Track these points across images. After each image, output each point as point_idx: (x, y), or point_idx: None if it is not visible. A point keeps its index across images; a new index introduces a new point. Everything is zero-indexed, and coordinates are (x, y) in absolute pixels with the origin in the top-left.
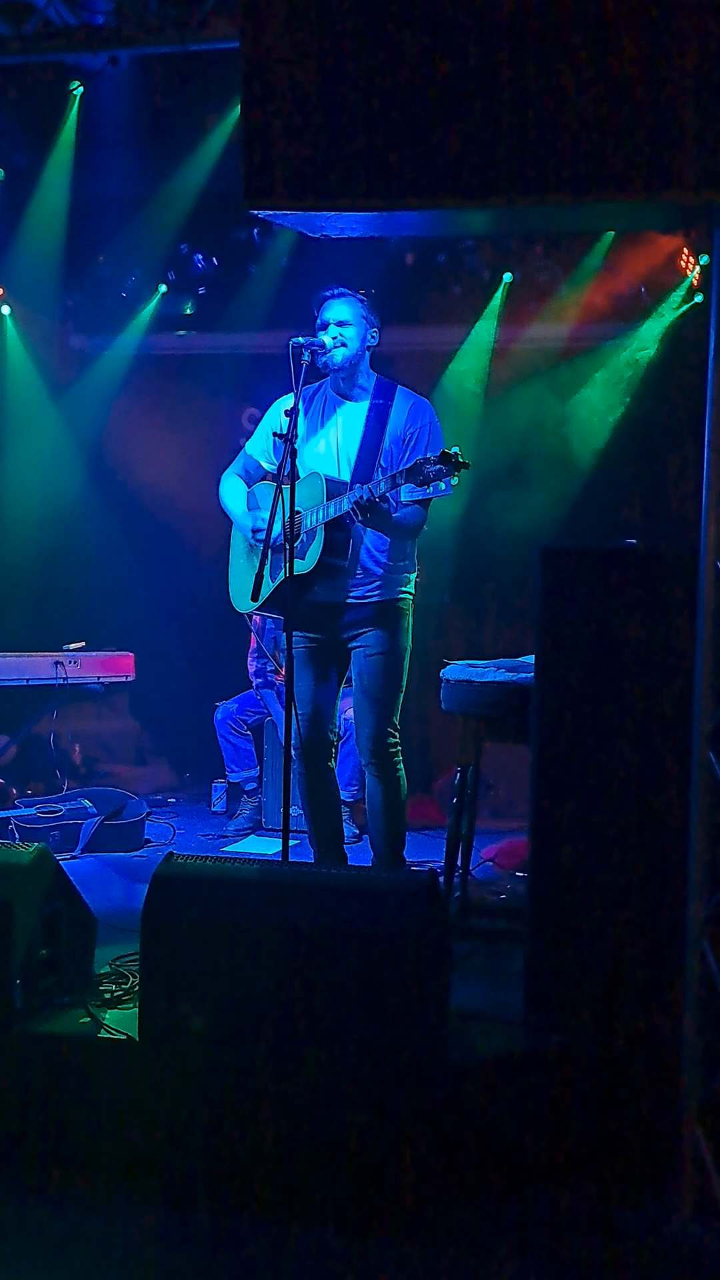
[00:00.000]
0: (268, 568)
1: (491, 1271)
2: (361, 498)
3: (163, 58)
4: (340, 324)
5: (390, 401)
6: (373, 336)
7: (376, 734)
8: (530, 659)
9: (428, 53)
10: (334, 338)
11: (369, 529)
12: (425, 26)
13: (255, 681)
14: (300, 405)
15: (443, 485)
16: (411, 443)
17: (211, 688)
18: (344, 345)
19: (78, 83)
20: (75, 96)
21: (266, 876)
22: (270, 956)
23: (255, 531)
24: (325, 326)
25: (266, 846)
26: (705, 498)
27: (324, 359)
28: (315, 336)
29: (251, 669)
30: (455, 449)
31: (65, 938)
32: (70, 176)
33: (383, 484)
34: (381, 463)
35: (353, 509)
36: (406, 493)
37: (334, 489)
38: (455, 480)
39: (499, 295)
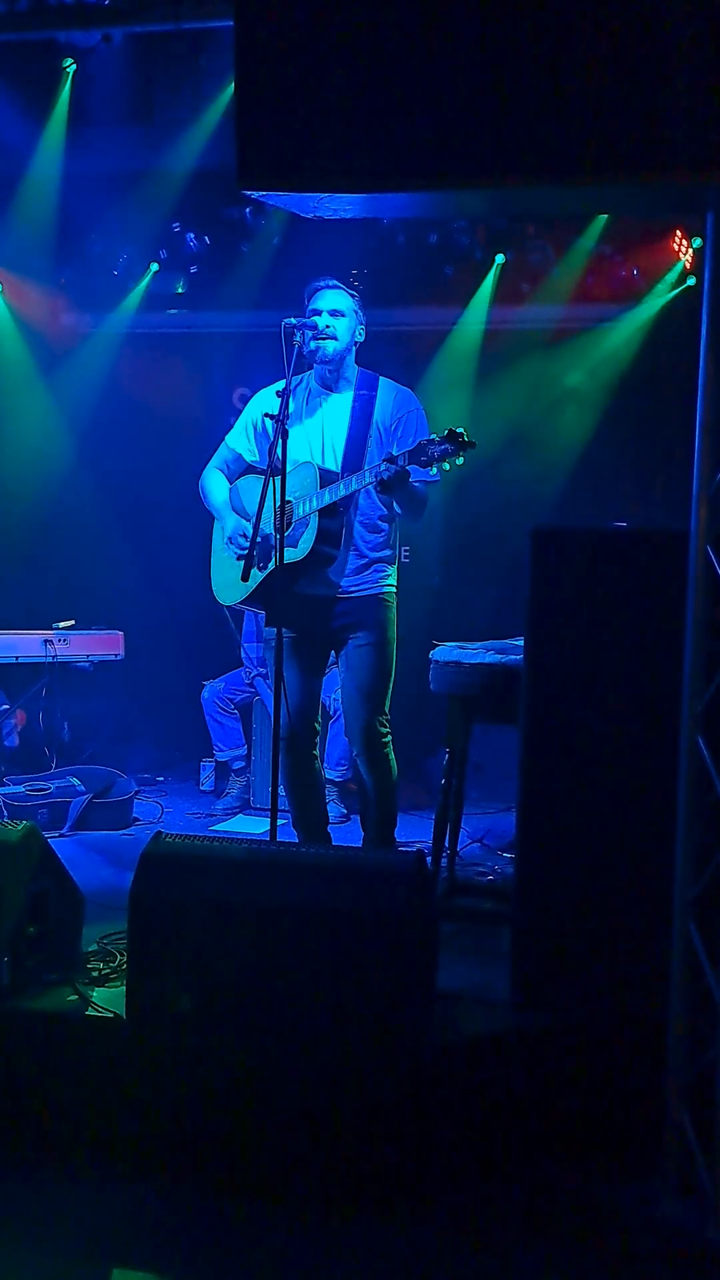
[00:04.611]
0: (257, 555)
1: (478, 1250)
2: (389, 470)
3: (156, 35)
4: (334, 313)
5: (374, 392)
6: (360, 333)
7: (368, 725)
8: (520, 640)
9: (419, 33)
10: (326, 326)
11: (358, 517)
12: (417, 4)
13: (257, 672)
14: (289, 390)
15: (447, 465)
16: (398, 431)
17: (200, 666)
18: (334, 337)
19: (71, 60)
20: (68, 74)
21: (254, 856)
22: (258, 936)
23: (236, 537)
24: (318, 314)
25: (254, 826)
26: (696, 479)
27: (314, 346)
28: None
29: (254, 655)
30: (461, 429)
31: (53, 915)
32: (62, 153)
33: (383, 467)
34: (370, 451)
35: (377, 482)
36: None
37: (327, 478)
38: (460, 460)
39: (491, 276)
